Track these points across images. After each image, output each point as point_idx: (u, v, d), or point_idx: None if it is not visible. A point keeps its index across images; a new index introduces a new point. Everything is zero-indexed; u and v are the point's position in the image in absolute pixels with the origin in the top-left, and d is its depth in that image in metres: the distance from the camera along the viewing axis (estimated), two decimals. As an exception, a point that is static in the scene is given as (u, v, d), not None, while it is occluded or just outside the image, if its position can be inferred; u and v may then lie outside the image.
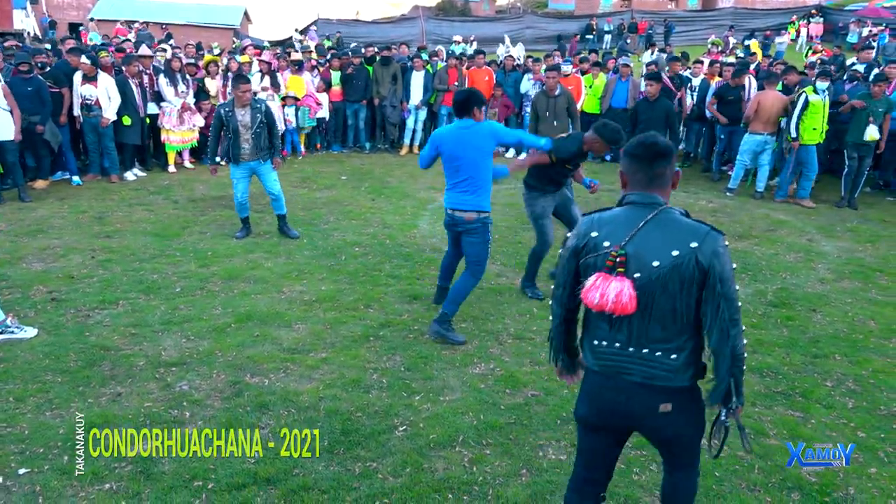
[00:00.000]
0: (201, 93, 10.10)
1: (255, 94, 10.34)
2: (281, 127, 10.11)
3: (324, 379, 4.20)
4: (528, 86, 11.30)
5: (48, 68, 8.99)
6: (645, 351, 2.31)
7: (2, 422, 3.63)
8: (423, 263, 6.34)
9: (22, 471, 3.24)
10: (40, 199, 8.14)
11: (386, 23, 33.47)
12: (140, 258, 6.25)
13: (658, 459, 3.48)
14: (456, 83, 11.49)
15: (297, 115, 10.76)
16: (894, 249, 7.29)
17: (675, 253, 2.24)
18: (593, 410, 2.46)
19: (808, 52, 21.15)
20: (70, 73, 8.90)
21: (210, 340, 4.67)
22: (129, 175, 9.38)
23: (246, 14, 36.22)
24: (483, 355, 4.59)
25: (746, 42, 24.30)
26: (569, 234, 2.52)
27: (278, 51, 14.89)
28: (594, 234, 2.38)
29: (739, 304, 2.27)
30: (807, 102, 8.61)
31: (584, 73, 11.35)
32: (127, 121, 9.03)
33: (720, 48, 19.61)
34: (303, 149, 11.37)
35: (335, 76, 11.32)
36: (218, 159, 10.23)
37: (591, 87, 11.17)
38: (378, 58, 11.58)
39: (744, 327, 2.31)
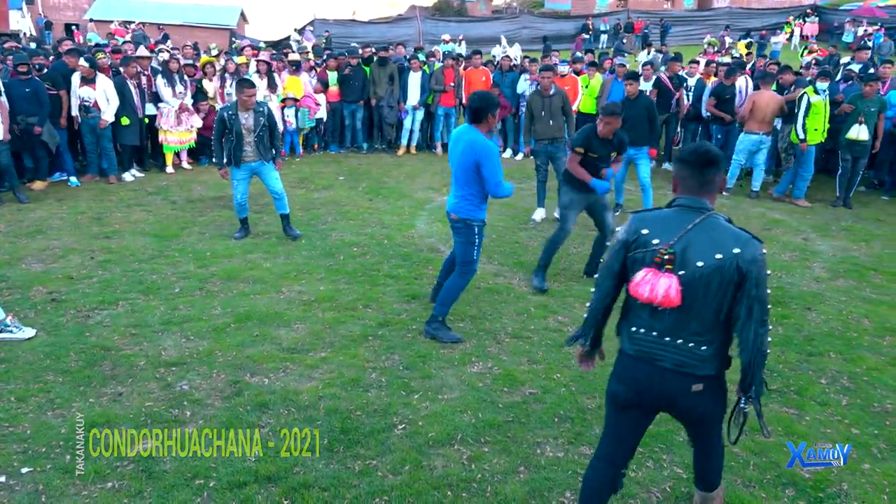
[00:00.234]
0: (199, 93, 10.12)
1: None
2: (280, 128, 10.13)
3: (323, 378, 4.23)
4: (524, 86, 11.33)
5: (45, 70, 9.01)
6: (679, 341, 2.54)
7: (4, 421, 3.66)
8: (421, 263, 6.37)
9: (25, 470, 3.27)
10: (39, 200, 8.15)
11: (382, 23, 33.50)
12: (139, 259, 6.28)
13: (654, 457, 3.53)
14: (452, 84, 11.54)
15: (296, 115, 10.79)
16: (888, 248, 7.35)
17: (718, 256, 2.45)
18: (630, 389, 2.66)
19: (803, 52, 21.23)
20: (68, 74, 8.91)
21: (210, 340, 4.70)
22: (127, 176, 9.40)
23: (242, 14, 36.23)
24: (481, 354, 4.62)
25: (742, 42, 24.39)
26: (617, 229, 2.73)
27: (273, 51, 14.92)
28: (644, 231, 2.58)
29: (769, 306, 2.48)
30: (809, 103, 8.66)
31: (577, 73, 11.38)
32: (125, 122, 9.05)
33: (716, 48, 19.68)
34: (301, 149, 11.40)
35: (332, 77, 11.34)
36: (215, 160, 10.40)
37: (587, 87, 11.21)
38: (375, 58, 11.61)
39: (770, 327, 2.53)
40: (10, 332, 4.58)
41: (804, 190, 9.09)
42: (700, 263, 2.46)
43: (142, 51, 11.19)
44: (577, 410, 3.94)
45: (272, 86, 10.49)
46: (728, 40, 24.68)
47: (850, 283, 6.28)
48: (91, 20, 29.87)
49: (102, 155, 9.15)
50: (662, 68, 12.60)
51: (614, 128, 5.81)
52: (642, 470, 3.42)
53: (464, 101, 11.83)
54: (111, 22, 28.71)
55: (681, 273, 2.47)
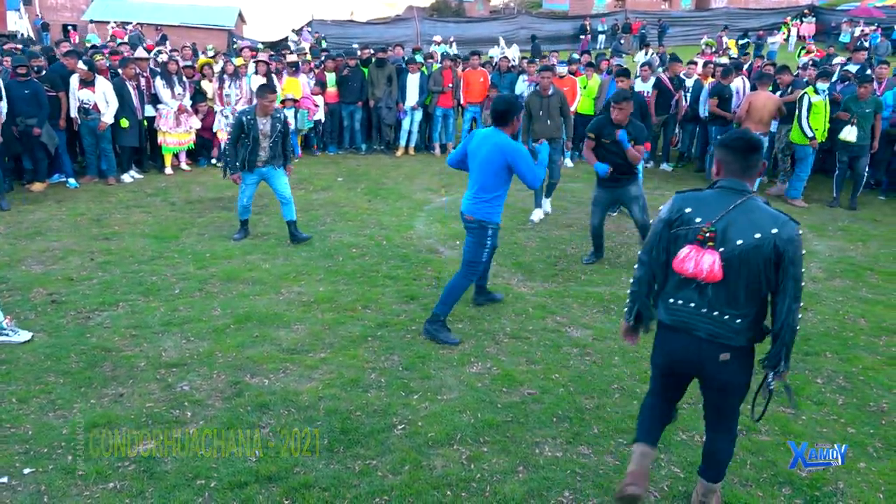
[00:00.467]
0: (197, 95, 10.14)
1: (252, 97, 10.44)
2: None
3: (323, 379, 4.26)
4: (523, 87, 11.36)
5: (44, 72, 9.02)
6: (715, 313, 2.72)
7: (6, 422, 3.68)
8: (420, 264, 6.40)
9: (27, 470, 3.29)
10: (38, 202, 8.17)
11: (380, 24, 33.53)
12: (139, 260, 6.30)
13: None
14: (451, 85, 11.56)
15: (296, 117, 10.81)
16: (885, 248, 7.39)
17: (756, 235, 2.63)
18: (667, 360, 2.92)
19: (800, 52, 21.28)
20: (66, 76, 8.92)
21: (210, 341, 4.73)
22: (126, 177, 9.41)
23: (240, 15, 36.21)
24: (480, 354, 4.65)
25: (740, 41, 24.47)
26: (660, 208, 2.94)
27: (272, 52, 14.93)
28: (687, 209, 2.77)
29: (803, 284, 2.67)
30: (810, 103, 8.69)
31: (573, 73, 11.41)
32: (124, 123, 9.06)
33: (713, 49, 19.72)
34: (299, 150, 11.41)
35: (330, 78, 11.36)
36: (213, 161, 10.43)
37: (585, 87, 11.24)
38: (373, 60, 11.63)
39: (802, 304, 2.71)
40: (7, 335, 4.59)
41: (800, 190, 9.12)
42: (739, 242, 2.64)
43: (140, 52, 11.21)
44: (576, 410, 3.97)
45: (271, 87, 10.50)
46: (725, 41, 24.73)
47: (846, 282, 6.32)
48: (91, 21, 29.86)
49: (101, 156, 9.17)
50: (660, 69, 12.65)
51: (628, 113, 6.12)
52: (640, 469, 3.45)
53: (462, 102, 11.87)
54: (107, 23, 28.75)
55: (720, 250, 2.65)
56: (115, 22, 28.77)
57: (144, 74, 9.66)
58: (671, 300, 2.83)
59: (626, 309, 3.06)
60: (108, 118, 8.83)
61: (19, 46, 12.96)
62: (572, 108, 10.40)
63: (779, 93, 9.57)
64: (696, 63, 11.76)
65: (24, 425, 3.66)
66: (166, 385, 4.13)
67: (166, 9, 32.84)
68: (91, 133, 8.90)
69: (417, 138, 12.09)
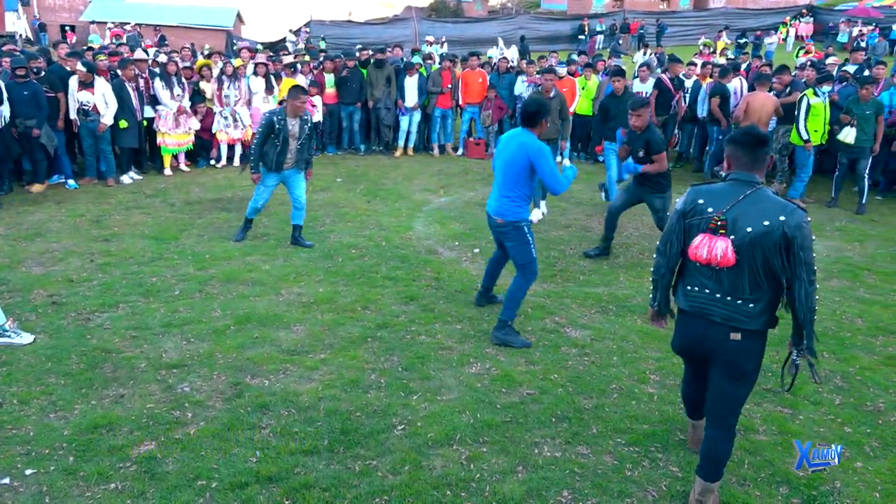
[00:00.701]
0: (196, 96, 10.15)
1: (251, 97, 10.47)
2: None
3: (323, 379, 4.28)
4: (522, 87, 11.38)
5: (43, 73, 9.03)
6: (729, 298, 2.90)
7: (7, 424, 3.69)
8: (419, 265, 6.42)
9: (29, 471, 3.31)
10: (38, 203, 8.18)
11: (379, 24, 33.55)
12: (139, 261, 6.31)
13: (650, 456, 3.58)
14: (449, 85, 11.58)
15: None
16: (882, 248, 7.42)
17: (766, 223, 2.80)
18: (683, 342, 3.16)
19: (798, 52, 21.31)
20: (65, 77, 8.93)
21: (210, 342, 4.74)
22: (126, 178, 9.42)
23: (239, 16, 36.20)
24: (479, 355, 4.67)
25: (739, 41, 24.50)
26: (676, 200, 3.19)
27: (271, 53, 14.95)
28: (700, 201, 2.97)
29: (816, 267, 2.84)
30: (808, 105, 8.70)
31: (572, 74, 11.43)
32: (124, 124, 9.07)
33: (711, 49, 19.75)
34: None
35: (329, 79, 11.38)
36: (213, 162, 10.44)
37: (584, 88, 11.26)
38: (372, 60, 11.65)
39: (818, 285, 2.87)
40: (9, 337, 4.61)
41: (801, 190, 9.13)
42: (749, 229, 2.81)
43: (139, 53, 11.21)
44: (574, 410, 3.99)
45: (269, 88, 10.53)
46: (725, 40, 24.78)
47: (843, 283, 6.34)
48: (93, 22, 29.85)
49: (101, 157, 9.17)
50: (658, 70, 12.67)
51: (646, 119, 6.30)
52: (639, 469, 3.47)
53: (461, 102, 11.89)
54: (105, 23, 28.74)
55: (731, 237, 2.83)
56: (112, 22, 28.77)
57: (143, 75, 9.68)
58: (689, 287, 3.03)
59: (651, 296, 3.29)
60: (107, 119, 8.83)
61: (18, 48, 12.94)
62: (571, 109, 10.42)
63: (773, 92, 9.56)
64: (695, 64, 11.78)
65: (25, 426, 3.68)
66: (167, 386, 4.15)
67: (165, 9, 32.84)
68: (90, 134, 8.91)
69: (416, 139, 12.11)
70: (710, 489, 3.09)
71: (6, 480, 3.24)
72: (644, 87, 10.77)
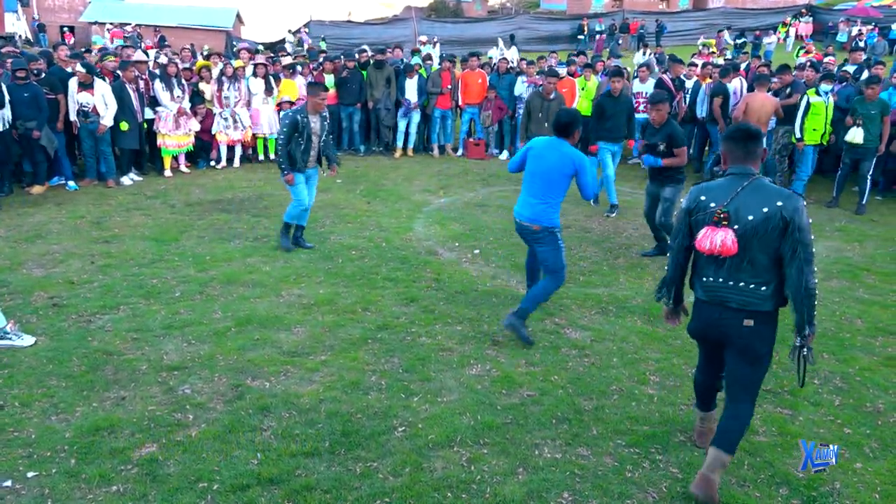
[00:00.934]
0: (196, 97, 10.15)
1: (251, 99, 10.48)
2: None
3: (324, 381, 4.28)
4: (521, 88, 11.39)
5: (43, 74, 9.04)
6: (742, 284, 3.10)
7: (9, 426, 3.70)
8: (419, 266, 6.42)
9: (30, 474, 3.31)
10: (38, 205, 8.18)
11: (378, 24, 33.56)
12: (139, 263, 6.32)
13: (650, 458, 3.59)
14: (449, 86, 11.59)
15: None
16: (882, 248, 7.43)
17: (765, 210, 3.00)
18: (699, 325, 3.33)
19: (798, 52, 21.32)
20: (65, 78, 8.94)
21: (211, 344, 4.75)
22: (126, 180, 9.43)
23: (238, 16, 36.20)
24: (479, 356, 4.68)
25: (738, 41, 24.50)
26: (680, 200, 3.37)
27: (271, 54, 14.96)
28: (703, 197, 3.19)
29: (813, 249, 3.00)
30: (808, 104, 8.70)
31: (572, 75, 11.44)
32: (124, 126, 9.08)
33: (710, 49, 19.75)
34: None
35: (329, 80, 11.38)
36: (213, 163, 10.44)
37: (583, 89, 11.27)
38: (372, 61, 11.65)
39: (815, 269, 3.01)
40: (10, 339, 4.61)
41: (800, 190, 9.14)
42: (750, 217, 3.01)
43: (139, 55, 11.22)
44: (575, 412, 4.00)
45: (269, 89, 10.53)
46: (725, 40, 24.79)
47: (843, 283, 6.35)
48: (95, 23, 29.85)
49: (101, 159, 9.18)
50: (658, 70, 12.68)
51: (665, 114, 6.42)
52: (639, 470, 3.48)
53: (460, 103, 11.90)
54: (104, 24, 28.75)
55: (735, 227, 3.04)
56: (110, 23, 28.78)
57: (143, 77, 9.68)
58: (704, 279, 3.23)
59: (661, 293, 3.50)
60: (107, 121, 8.84)
61: (17, 49, 12.94)
62: (570, 110, 10.42)
63: (772, 92, 9.58)
64: (696, 65, 11.78)
65: (26, 429, 3.68)
66: (168, 388, 4.16)
67: (164, 10, 32.83)
68: (90, 136, 8.92)
69: (416, 139, 12.12)
70: (721, 461, 3.16)
71: (8, 483, 3.25)
72: (644, 88, 10.77)
